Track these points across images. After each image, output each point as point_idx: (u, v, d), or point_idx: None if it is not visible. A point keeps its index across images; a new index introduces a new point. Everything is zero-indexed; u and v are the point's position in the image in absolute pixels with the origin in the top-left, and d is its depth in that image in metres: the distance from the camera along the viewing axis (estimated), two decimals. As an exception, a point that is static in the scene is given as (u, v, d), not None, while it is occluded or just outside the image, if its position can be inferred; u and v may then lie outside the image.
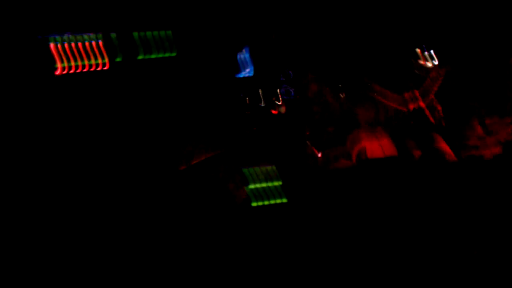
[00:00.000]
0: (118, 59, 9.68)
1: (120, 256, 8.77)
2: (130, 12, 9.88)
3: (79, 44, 9.64)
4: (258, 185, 9.56)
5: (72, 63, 9.37)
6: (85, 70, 9.48)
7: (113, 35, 9.80)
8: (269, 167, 9.77)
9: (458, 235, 9.04)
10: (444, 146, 9.86)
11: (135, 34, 9.91)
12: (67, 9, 9.61)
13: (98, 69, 9.60)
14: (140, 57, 9.80)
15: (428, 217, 9.24)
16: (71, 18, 9.63)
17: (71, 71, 9.40)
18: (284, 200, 9.48)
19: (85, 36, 9.69)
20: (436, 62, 9.90)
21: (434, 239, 8.99)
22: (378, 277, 8.67)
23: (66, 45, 9.59)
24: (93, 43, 9.70)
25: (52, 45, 9.51)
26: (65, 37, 9.57)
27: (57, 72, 9.40)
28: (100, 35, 9.75)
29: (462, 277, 8.52)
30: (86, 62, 9.49)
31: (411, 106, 9.99)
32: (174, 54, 9.87)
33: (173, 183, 9.33)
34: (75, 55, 9.50)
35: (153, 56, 9.76)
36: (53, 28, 9.53)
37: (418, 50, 10.19)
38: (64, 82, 9.56)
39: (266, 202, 9.47)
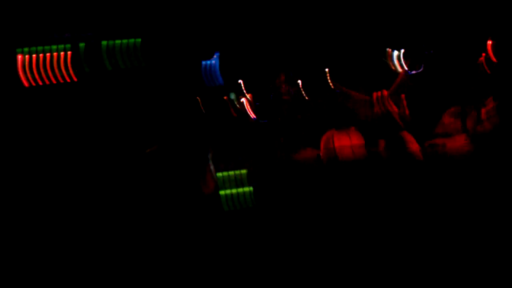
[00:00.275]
0: (86, 69, 9.73)
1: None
2: (98, 21, 9.91)
3: (47, 55, 9.67)
4: (229, 191, 9.67)
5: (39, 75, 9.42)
6: (53, 81, 9.52)
7: (82, 44, 9.83)
8: (241, 171, 9.86)
9: (429, 234, 9.11)
10: (412, 146, 9.97)
11: (103, 43, 9.94)
12: (36, 20, 9.64)
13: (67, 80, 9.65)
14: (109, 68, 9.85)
15: (398, 217, 9.33)
16: (40, 28, 9.66)
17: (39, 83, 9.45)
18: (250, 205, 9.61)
19: (53, 47, 9.71)
20: (405, 67, 10.01)
21: (404, 240, 9.06)
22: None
23: (34, 56, 9.62)
24: (61, 53, 9.73)
25: (19, 56, 9.54)
26: (33, 48, 9.60)
27: (25, 84, 9.43)
28: (68, 45, 9.78)
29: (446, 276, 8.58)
30: (54, 73, 9.54)
31: (377, 109, 10.09)
32: (142, 65, 9.94)
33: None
34: (43, 66, 9.54)
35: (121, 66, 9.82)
36: (21, 39, 9.56)
37: (388, 50, 10.27)
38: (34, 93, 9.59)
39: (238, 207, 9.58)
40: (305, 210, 9.46)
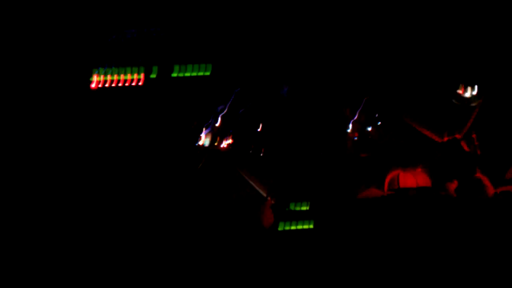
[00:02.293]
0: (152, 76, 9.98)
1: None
2: (171, 44, 10.13)
3: (122, 76, 10.02)
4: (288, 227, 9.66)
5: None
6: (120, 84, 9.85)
7: (155, 68, 10.10)
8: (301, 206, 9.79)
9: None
10: (482, 178, 9.48)
11: (176, 67, 10.16)
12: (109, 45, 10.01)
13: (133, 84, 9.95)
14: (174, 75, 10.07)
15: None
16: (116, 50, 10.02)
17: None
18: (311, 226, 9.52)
19: (128, 69, 10.05)
20: (474, 92, 9.56)
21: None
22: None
23: (109, 76, 10.00)
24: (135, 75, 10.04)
25: (95, 76, 9.94)
26: (108, 69, 9.97)
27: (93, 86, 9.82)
28: (142, 68, 10.07)
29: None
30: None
31: (446, 138, 9.69)
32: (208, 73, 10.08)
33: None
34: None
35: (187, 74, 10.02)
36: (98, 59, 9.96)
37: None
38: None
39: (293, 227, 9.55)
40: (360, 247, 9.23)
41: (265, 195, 9.67)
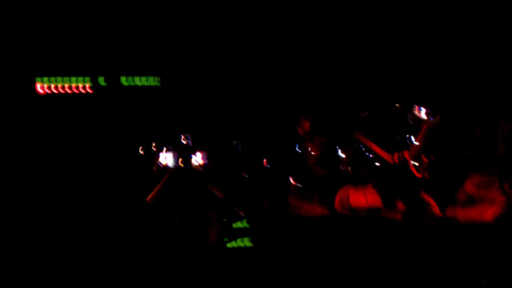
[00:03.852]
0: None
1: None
2: (118, 57, 9.98)
3: (66, 85, 9.81)
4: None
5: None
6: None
7: (101, 78, 9.91)
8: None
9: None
10: (434, 210, 9.17)
11: (123, 78, 9.97)
12: (55, 52, 9.83)
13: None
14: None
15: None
16: (59, 61, 9.84)
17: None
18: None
19: (72, 79, 9.84)
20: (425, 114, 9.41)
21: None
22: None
23: (53, 86, 9.78)
24: (80, 85, 9.83)
25: (38, 85, 9.72)
26: (52, 78, 9.76)
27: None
28: (87, 78, 9.87)
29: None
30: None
31: (396, 157, 9.44)
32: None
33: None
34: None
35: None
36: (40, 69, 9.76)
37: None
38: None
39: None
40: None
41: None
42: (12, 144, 9.45)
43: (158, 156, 9.66)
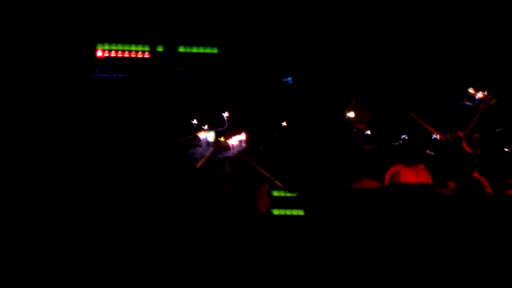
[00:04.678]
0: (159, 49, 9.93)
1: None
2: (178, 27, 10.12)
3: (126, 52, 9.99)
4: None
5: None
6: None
7: (160, 47, 10.06)
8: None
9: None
10: (480, 179, 9.19)
11: (181, 48, 10.12)
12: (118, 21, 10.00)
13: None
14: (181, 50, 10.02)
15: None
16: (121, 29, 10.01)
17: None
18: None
19: (132, 46, 10.02)
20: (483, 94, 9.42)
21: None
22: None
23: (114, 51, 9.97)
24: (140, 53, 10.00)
25: (99, 50, 9.92)
26: (113, 44, 9.95)
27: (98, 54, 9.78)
28: (147, 47, 10.04)
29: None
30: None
31: (448, 135, 9.48)
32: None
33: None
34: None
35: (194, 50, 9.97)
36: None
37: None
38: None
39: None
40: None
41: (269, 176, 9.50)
42: (70, 103, 9.67)
43: (198, 131, 9.92)
